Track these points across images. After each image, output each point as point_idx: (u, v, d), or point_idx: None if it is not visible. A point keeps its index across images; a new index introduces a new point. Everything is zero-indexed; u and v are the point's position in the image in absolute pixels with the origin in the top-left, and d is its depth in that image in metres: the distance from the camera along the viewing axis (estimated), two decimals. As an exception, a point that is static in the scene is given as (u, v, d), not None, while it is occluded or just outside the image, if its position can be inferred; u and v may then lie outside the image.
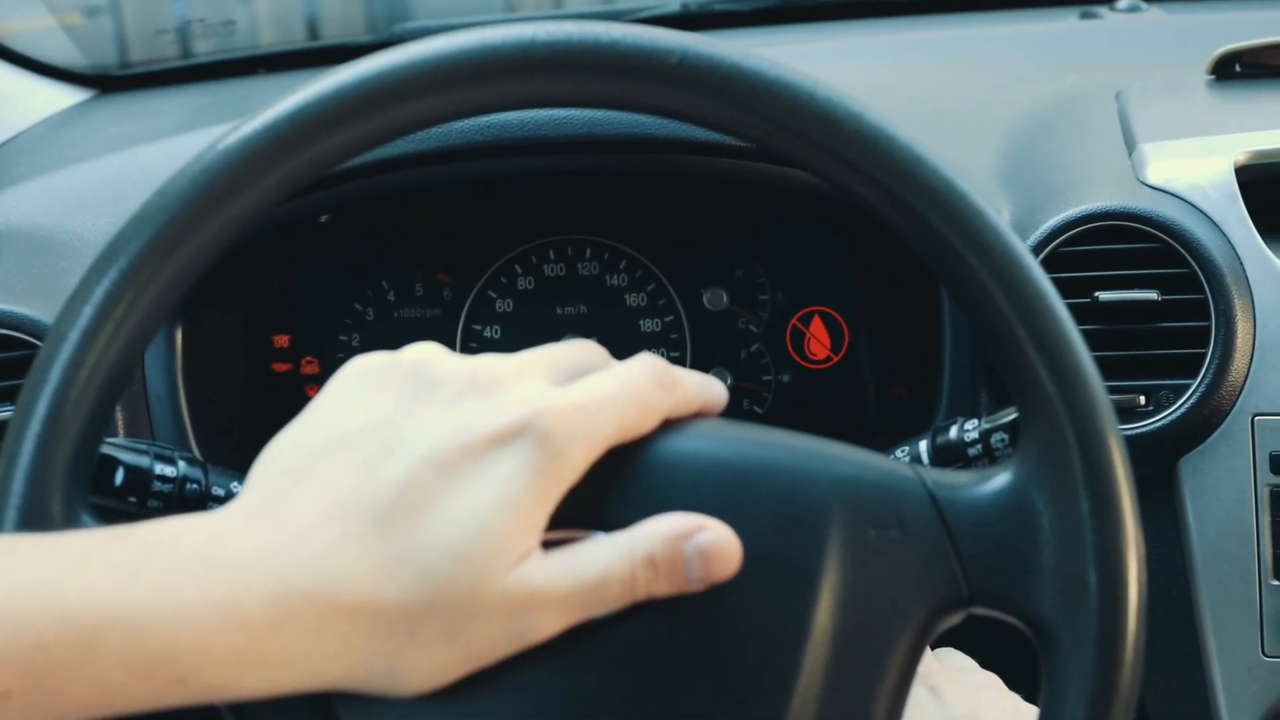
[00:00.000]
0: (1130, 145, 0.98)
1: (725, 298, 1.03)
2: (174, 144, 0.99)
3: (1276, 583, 0.86)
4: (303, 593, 0.52)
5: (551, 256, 1.02)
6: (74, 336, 0.58)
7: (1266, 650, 0.86)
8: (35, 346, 0.85)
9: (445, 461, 0.53)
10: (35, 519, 0.58)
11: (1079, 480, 0.59)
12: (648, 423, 0.59)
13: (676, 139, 0.85)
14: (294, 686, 0.53)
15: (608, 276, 1.02)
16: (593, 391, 0.57)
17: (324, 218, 0.91)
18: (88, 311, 0.58)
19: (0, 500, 0.57)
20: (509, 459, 0.54)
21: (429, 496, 0.53)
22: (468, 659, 0.54)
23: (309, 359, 1.00)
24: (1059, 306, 0.60)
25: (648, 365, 0.59)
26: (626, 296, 1.02)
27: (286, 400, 0.99)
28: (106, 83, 1.30)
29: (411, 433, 0.55)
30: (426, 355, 0.58)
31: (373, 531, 0.53)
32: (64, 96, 1.26)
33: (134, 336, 0.59)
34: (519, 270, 1.02)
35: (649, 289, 1.02)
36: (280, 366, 1.00)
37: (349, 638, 0.53)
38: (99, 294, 0.58)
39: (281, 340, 1.00)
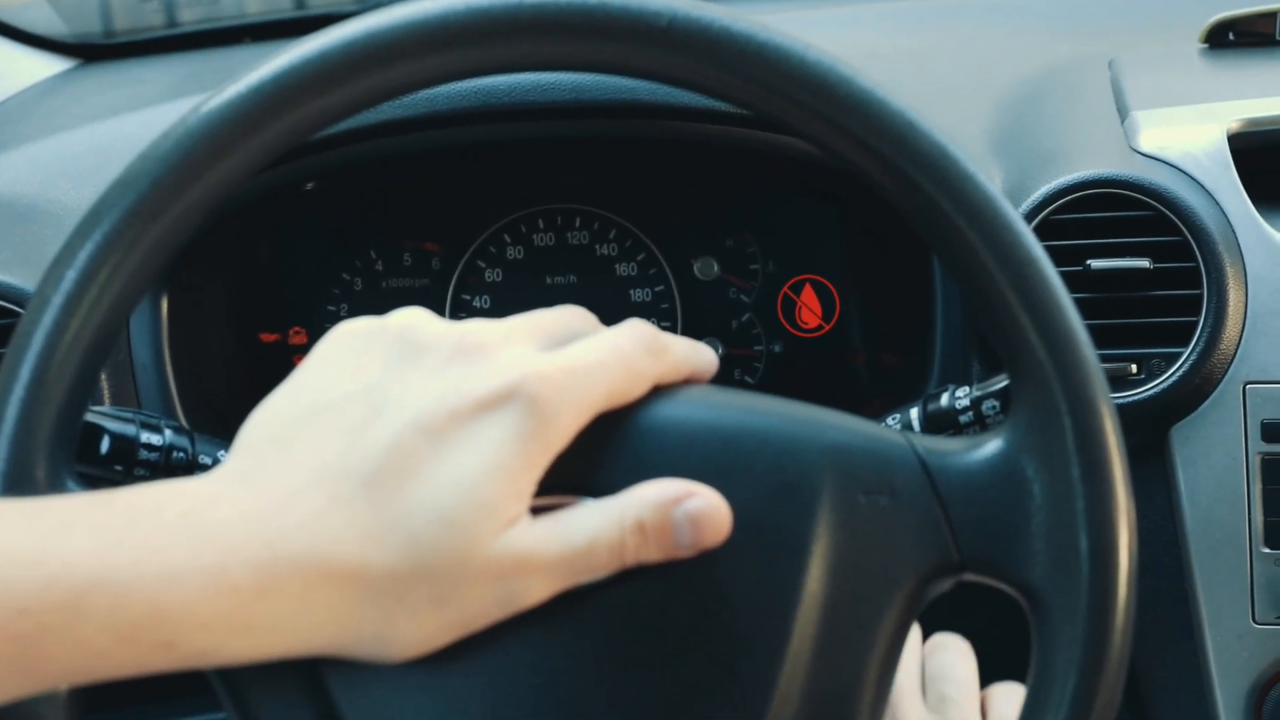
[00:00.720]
0: (1123, 113, 0.97)
1: (716, 267, 1.02)
2: (158, 112, 0.98)
3: (1268, 550, 0.86)
4: (289, 559, 0.51)
5: (541, 226, 1.02)
6: (57, 301, 0.58)
7: (1257, 618, 0.86)
8: (17, 314, 0.85)
9: (432, 427, 0.53)
10: (19, 485, 0.57)
11: (1070, 446, 0.58)
12: (637, 388, 0.58)
13: (666, 104, 0.84)
14: (281, 652, 0.53)
15: (598, 246, 1.02)
16: (581, 357, 0.56)
17: (310, 185, 0.91)
18: (71, 275, 0.58)
19: None
20: (497, 424, 0.53)
21: (416, 462, 0.53)
22: (456, 624, 0.54)
23: (297, 329, 0.99)
24: (1051, 272, 0.60)
25: (637, 331, 0.59)
26: (617, 266, 1.02)
27: (274, 370, 0.98)
28: (90, 52, 1.29)
29: (398, 397, 0.54)
30: (413, 320, 0.58)
31: (360, 497, 0.52)
32: (47, 66, 1.26)
33: (118, 301, 0.59)
34: (508, 240, 1.01)
35: (639, 258, 1.02)
36: (268, 336, 0.99)
37: (336, 604, 0.52)
38: (82, 258, 0.58)
39: (269, 310, 1.00)
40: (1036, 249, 0.60)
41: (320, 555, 0.52)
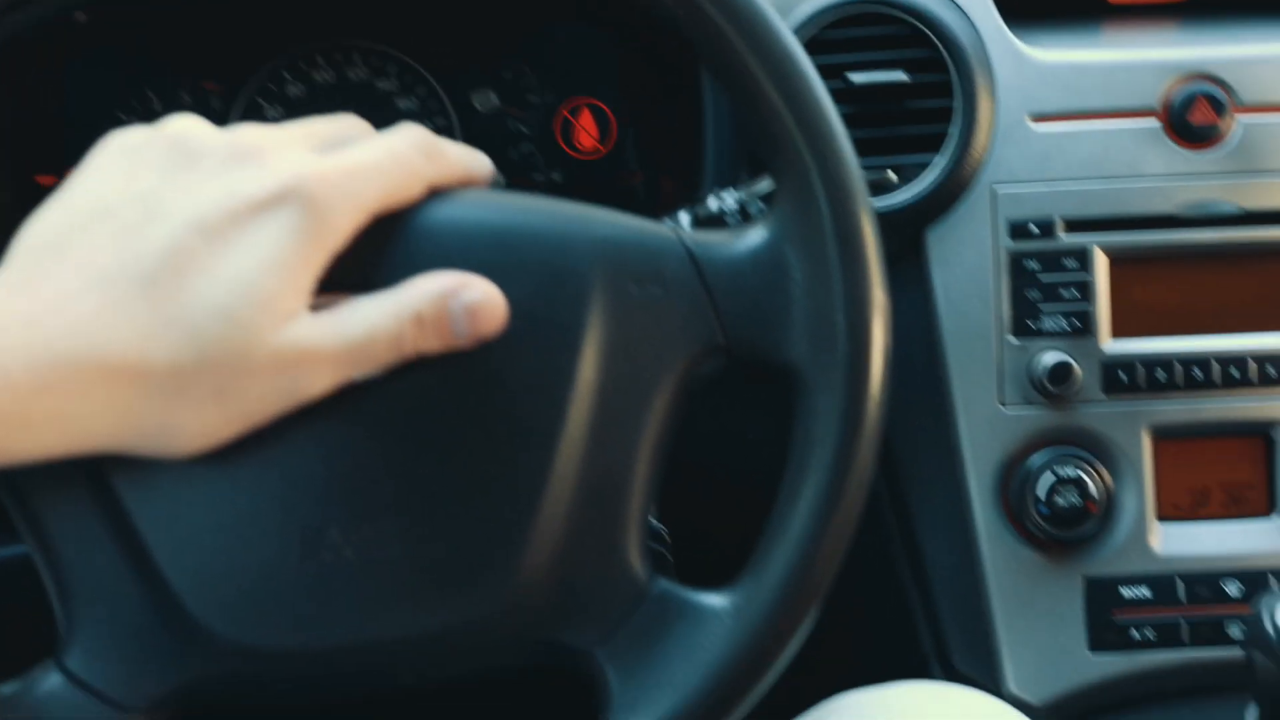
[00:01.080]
0: (880, -65, 1.02)
1: (495, 98, 1.04)
2: None
3: (1013, 340, 0.93)
4: (67, 355, 0.52)
5: (320, 62, 1.02)
6: None
7: (1005, 401, 0.93)
8: None
9: (210, 227, 0.54)
10: None
11: (828, 230, 0.62)
12: (413, 190, 0.60)
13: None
14: (64, 448, 0.54)
15: (378, 81, 1.02)
16: (357, 158, 0.58)
17: (81, 16, 0.89)
18: None
19: None
20: (273, 223, 0.55)
21: (194, 261, 0.54)
22: (238, 417, 0.56)
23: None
24: (808, 69, 0.63)
25: (412, 134, 0.61)
26: (398, 101, 1.03)
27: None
28: None
29: (174, 201, 0.55)
30: (187, 127, 0.59)
31: (137, 296, 0.53)
32: None
33: None
34: (287, 77, 1.01)
35: (419, 92, 1.03)
36: (45, 179, 0.98)
37: (116, 399, 0.54)
38: None
39: (46, 152, 0.98)
40: (795, 48, 0.63)
41: (99, 352, 0.53)
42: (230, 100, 1.01)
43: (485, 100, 1.04)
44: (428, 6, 1.01)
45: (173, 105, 1.00)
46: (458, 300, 0.57)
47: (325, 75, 1.02)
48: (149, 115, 0.99)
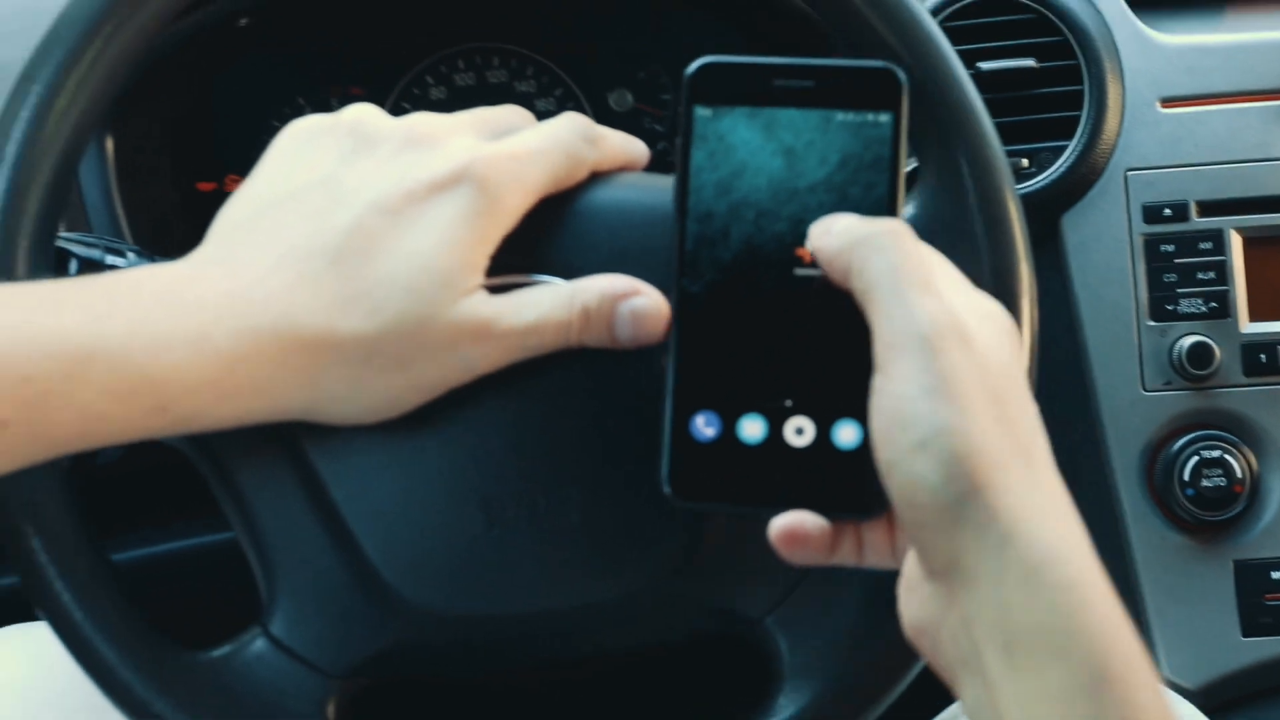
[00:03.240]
0: (1005, -72, 1.03)
1: (630, 98, 1.07)
2: None
3: (1152, 323, 0.93)
4: (267, 327, 0.55)
5: (461, 66, 1.05)
6: (26, 115, 0.61)
7: (1146, 385, 0.94)
8: None
9: (390, 207, 0.57)
10: None
11: (974, 209, 0.64)
12: (577, 174, 0.63)
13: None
14: (262, 414, 0.57)
15: (517, 83, 1.06)
16: (524, 143, 0.61)
17: (244, 21, 0.93)
18: (37, 90, 0.61)
19: None
20: (449, 203, 0.58)
21: (377, 239, 0.57)
22: (419, 387, 0.59)
23: (233, 177, 1.03)
24: (950, 51, 0.65)
25: (574, 121, 0.63)
26: (536, 102, 1.06)
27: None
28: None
29: (355, 184, 0.58)
30: (363, 114, 0.62)
31: (326, 271, 0.57)
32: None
33: (83, 115, 0.61)
34: (430, 81, 1.05)
35: (557, 93, 1.06)
36: (205, 186, 1.03)
37: (310, 367, 0.57)
38: (46, 73, 0.61)
39: (205, 159, 1.03)
40: (936, 29, 0.65)
41: (293, 323, 0.56)
42: (376, 103, 1.04)
43: (621, 100, 1.07)
44: (564, 10, 1.04)
45: (321, 110, 1.03)
46: (627, 304, 0.59)
47: (466, 78, 1.05)
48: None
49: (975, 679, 0.49)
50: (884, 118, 0.57)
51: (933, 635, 0.52)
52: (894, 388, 0.49)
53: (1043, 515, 0.48)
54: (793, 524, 0.54)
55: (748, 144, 0.57)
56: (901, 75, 0.57)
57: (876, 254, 0.52)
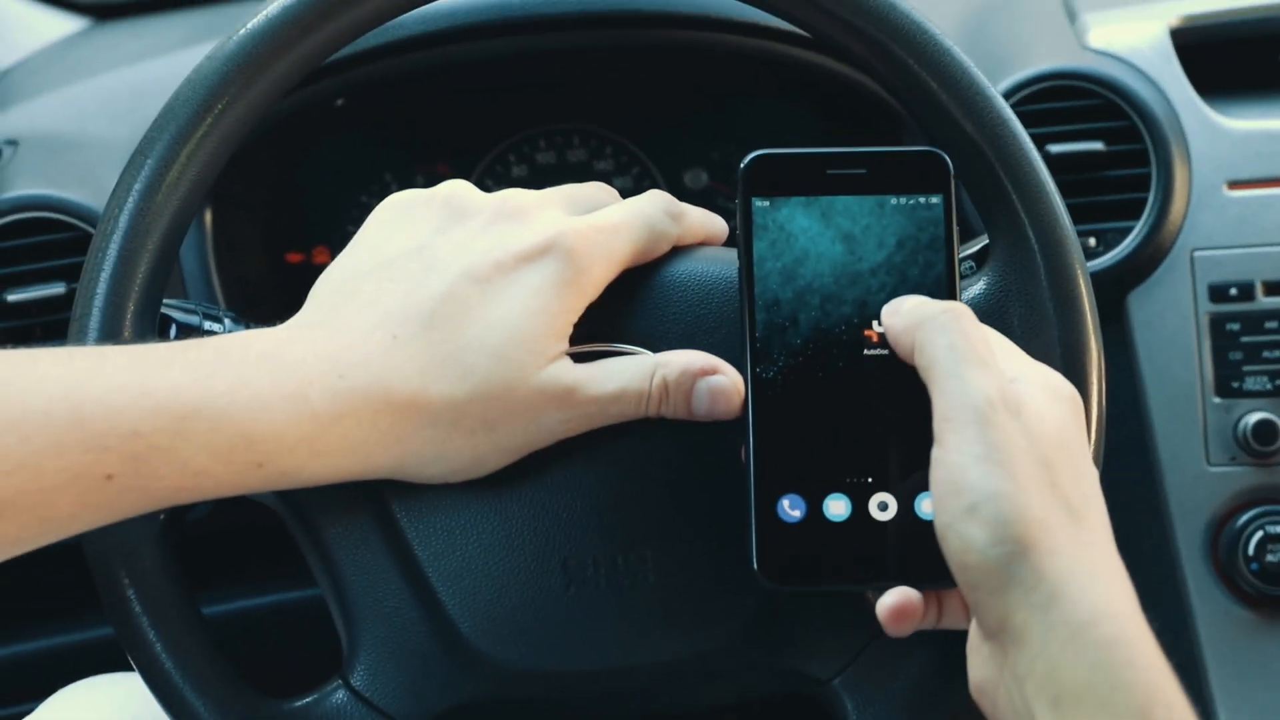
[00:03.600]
0: (1072, 16, 1.06)
1: (705, 177, 1.10)
2: (184, 55, 1.03)
3: (1218, 400, 0.94)
4: (361, 389, 0.58)
5: (542, 145, 1.09)
6: (138, 187, 0.64)
7: (1211, 461, 0.95)
8: (76, 229, 0.92)
9: (481, 276, 0.60)
10: None
11: (1044, 283, 0.66)
12: (659, 248, 0.66)
13: (663, 12, 0.92)
14: (354, 472, 0.60)
15: (596, 161, 1.09)
16: (609, 218, 0.64)
17: (339, 101, 0.98)
18: (150, 163, 0.64)
19: (78, 339, 0.63)
20: (537, 273, 0.61)
21: (468, 306, 0.60)
22: (504, 449, 0.61)
23: (320, 249, 1.07)
24: (1019, 129, 0.67)
25: (657, 198, 0.66)
26: (615, 179, 1.09)
27: (302, 290, 1.05)
28: (103, 11, 1.35)
29: (448, 254, 0.62)
30: (456, 189, 0.65)
31: (419, 336, 0.59)
32: (62, 24, 1.31)
33: (191, 188, 0.65)
34: (512, 159, 1.09)
35: (634, 172, 1.10)
36: (294, 257, 1.07)
37: (401, 427, 0.59)
38: (160, 148, 0.64)
39: (295, 231, 1.07)
40: (1006, 110, 0.67)
41: (386, 385, 0.59)
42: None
43: (696, 179, 1.10)
44: (643, 92, 1.08)
45: (408, 186, 1.07)
46: (705, 382, 0.62)
47: (547, 157, 1.09)
48: (387, 195, 1.07)
49: None
50: (935, 199, 0.60)
51: (991, 694, 0.54)
52: (949, 457, 0.53)
53: (1090, 575, 0.51)
54: (902, 601, 0.57)
55: (807, 232, 0.60)
56: (948, 159, 0.60)
57: (938, 333, 0.55)
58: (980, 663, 0.55)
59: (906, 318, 0.57)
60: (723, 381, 0.61)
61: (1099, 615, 0.49)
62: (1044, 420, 0.54)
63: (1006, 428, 0.52)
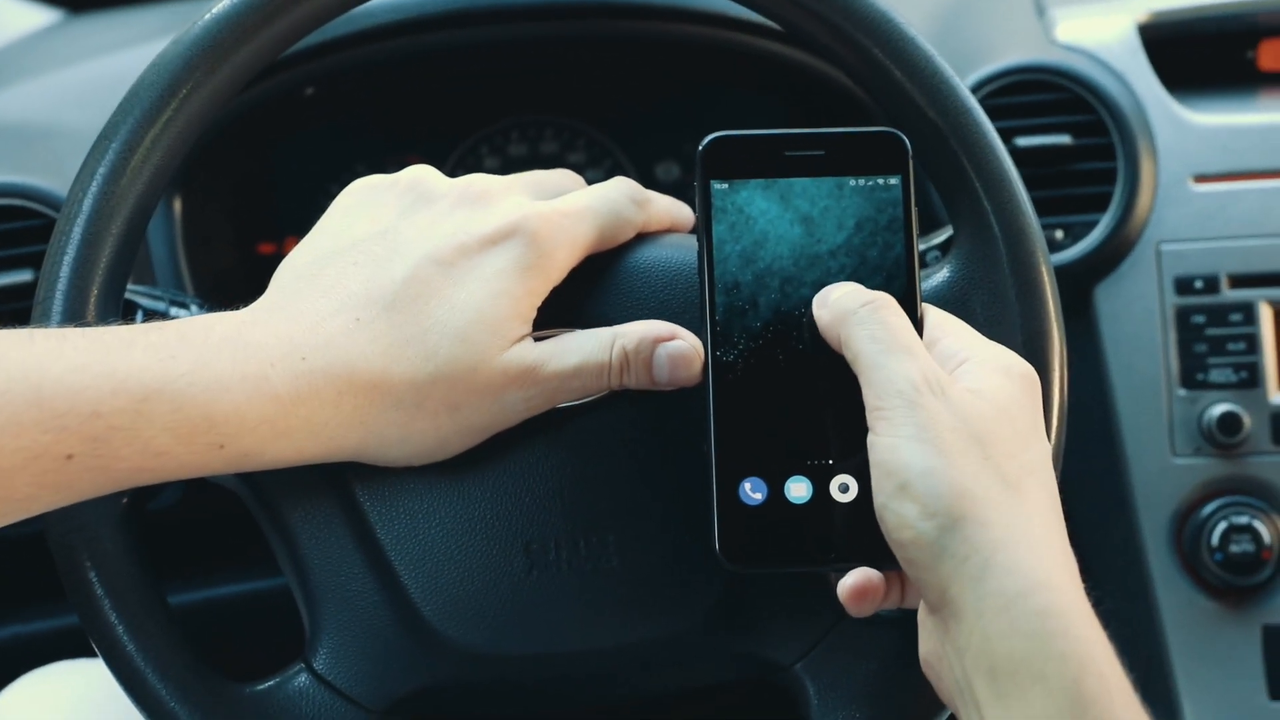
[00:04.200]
0: (1040, 10, 1.07)
1: (677, 170, 1.11)
2: (159, 47, 1.02)
3: (1183, 392, 0.95)
4: (323, 370, 0.58)
5: (515, 137, 1.09)
6: (103, 171, 0.63)
7: (1176, 452, 0.95)
8: (45, 216, 0.91)
9: (444, 260, 0.60)
10: None
11: (1007, 272, 0.66)
12: (624, 233, 0.66)
13: (633, 4, 0.92)
14: (316, 454, 0.60)
15: (568, 154, 1.10)
16: (574, 203, 0.64)
17: (310, 90, 0.98)
18: (114, 147, 0.64)
19: (42, 322, 0.62)
20: (501, 256, 0.61)
21: (431, 289, 0.60)
22: (467, 430, 0.61)
23: (293, 239, 1.07)
24: (985, 121, 0.67)
25: (623, 184, 0.66)
26: (587, 171, 1.09)
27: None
28: (76, 3, 1.35)
29: (412, 237, 0.62)
30: (421, 174, 0.65)
31: (382, 319, 0.59)
32: (34, 16, 1.32)
33: (155, 172, 0.64)
34: (485, 151, 1.09)
35: (606, 164, 1.10)
36: (265, 248, 1.07)
37: (364, 409, 0.59)
38: (124, 132, 0.64)
39: (266, 222, 1.07)
40: (971, 100, 0.67)
41: (349, 367, 0.59)
42: (432, 172, 1.08)
43: (668, 171, 1.10)
44: (615, 85, 1.08)
45: (379, 177, 1.08)
46: (664, 348, 0.62)
47: (519, 149, 1.09)
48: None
49: (969, 708, 0.52)
50: (894, 180, 0.60)
51: (937, 668, 0.55)
52: (882, 441, 0.54)
53: (1025, 546, 0.51)
54: (862, 581, 0.58)
55: (766, 214, 0.60)
56: (905, 139, 0.60)
57: (858, 326, 0.57)
58: (927, 636, 0.56)
59: (831, 310, 0.58)
60: (682, 346, 0.61)
61: (1033, 585, 0.50)
62: (979, 397, 0.55)
63: (932, 408, 0.54)
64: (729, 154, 0.61)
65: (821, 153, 0.61)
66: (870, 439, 0.55)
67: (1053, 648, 0.49)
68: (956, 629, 0.52)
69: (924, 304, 0.61)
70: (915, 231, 0.60)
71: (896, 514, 0.53)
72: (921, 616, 0.56)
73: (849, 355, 0.57)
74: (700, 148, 0.61)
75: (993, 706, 0.50)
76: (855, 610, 0.58)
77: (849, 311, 0.57)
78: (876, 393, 0.55)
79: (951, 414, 0.54)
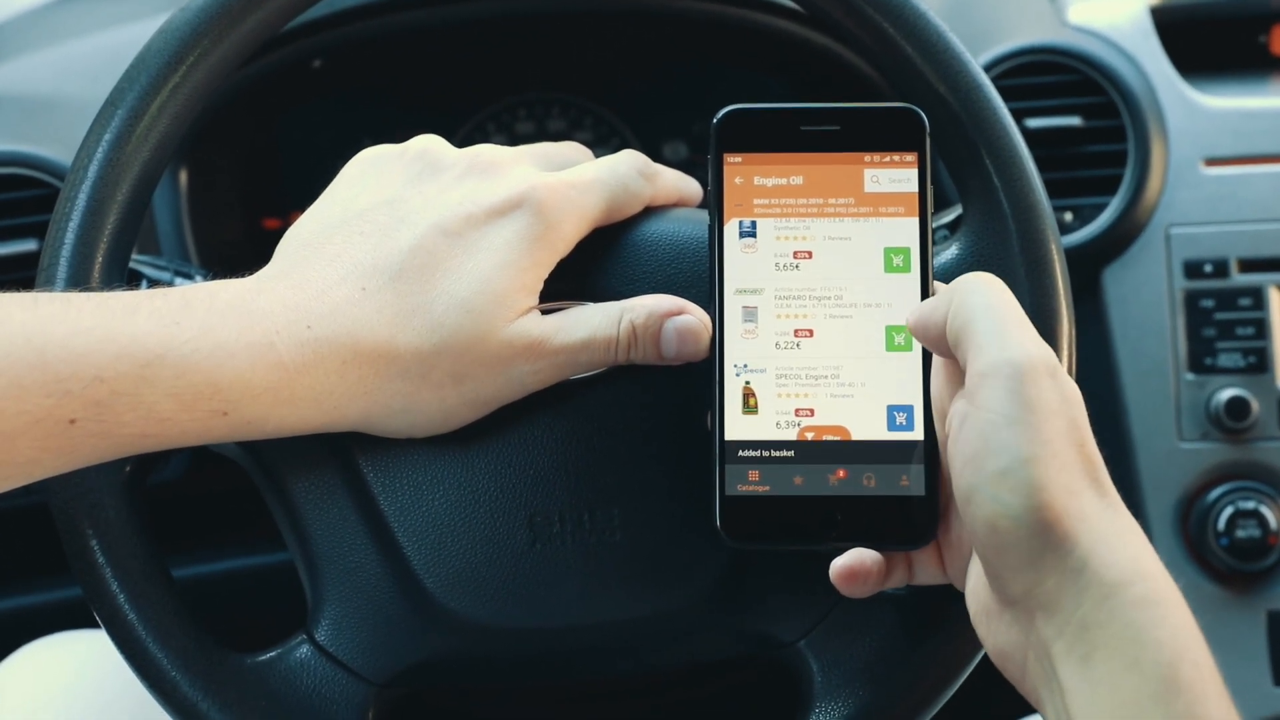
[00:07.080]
0: (1053, -9, 1.06)
1: (685, 149, 1.10)
2: (160, 20, 1.03)
3: (1191, 376, 0.95)
4: (328, 339, 0.58)
5: (522, 114, 1.09)
6: (108, 139, 0.63)
7: (1183, 437, 0.95)
8: (49, 185, 0.91)
9: (452, 230, 0.60)
10: None
11: (1016, 249, 0.65)
12: (631, 206, 0.65)
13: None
14: (320, 424, 0.59)
15: (575, 132, 1.09)
16: (581, 174, 0.63)
17: (317, 63, 0.97)
18: (120, 114, 0.63)
19: (46, 288, 0.62)
20: (508, 227, 0.60)
21: (438, 259, 0.59)
22: (472, 402, 0.61)
23: (298, 214, 1.06)
24: (996, 98, 0.67)
25: (631, 157, 0.66)
26: (594, 150, 1.08)
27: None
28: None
29: (419, 206, 0.61)
30: (429, 144, 0.65)
31: (388, 288, 0.59)
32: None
33: (161, 140, 0.64)
34: (492, 128, 1.09)
35: (613, 143, 1.09)
36: (271, 223, 1.06)
37: (369, 379, 0.59)
38: (130, 99, 0.64)
39: (272, 196, 1.06)
40: (982, 76, 0.66)
41: (354, 335, 0.58)
42: (439, 148, 1.08)
43: (676, 151, 1.10)
44: (623, 63, 1.08)
45: (385, 153, 1.07)
46: (671, 323, 0.61)
47: (526, 126, 1.09)
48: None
49: (1055, 698, 0.51)
50: (910, 157, 0.60)
51: (1019, 661, 0.53)
52: (981, 415, 0.52)
53: (1118, 539, 0.50)
54: (853, 563, 0.57)
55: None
56: (923, 115, 0.60)
57: (972, 294, 0.55)
58: (1001, 630, 0.54)
59: (942, 294, 0.57)
60: (690, 320, 0.61)
61: (1129, 578, 0.49)
62: (1071, 382, 0.53)
63: (1043, 385, 0.51)
64: (744, 128, 0.60)
65: (837, 128, 0.60)
66: (964, 408, 0.53)
67: (1149, 635, 0.48)
68: (1046, 621, 0.51)
69: (935, 282, 0.60)
70: (930, 209, 0.60)
71: (994, 500, 0.51)
72: (989, 609, 0.55)
73: (957, 323, 0.55)
74: (715, 121, 0.60)
75: (1081, 692, 0.49)
76: (847, 591, 0.57)
77: (963, 280, 0.56)
78: (988, 359, 0.52)
79: (1059, 396, 0.52)
